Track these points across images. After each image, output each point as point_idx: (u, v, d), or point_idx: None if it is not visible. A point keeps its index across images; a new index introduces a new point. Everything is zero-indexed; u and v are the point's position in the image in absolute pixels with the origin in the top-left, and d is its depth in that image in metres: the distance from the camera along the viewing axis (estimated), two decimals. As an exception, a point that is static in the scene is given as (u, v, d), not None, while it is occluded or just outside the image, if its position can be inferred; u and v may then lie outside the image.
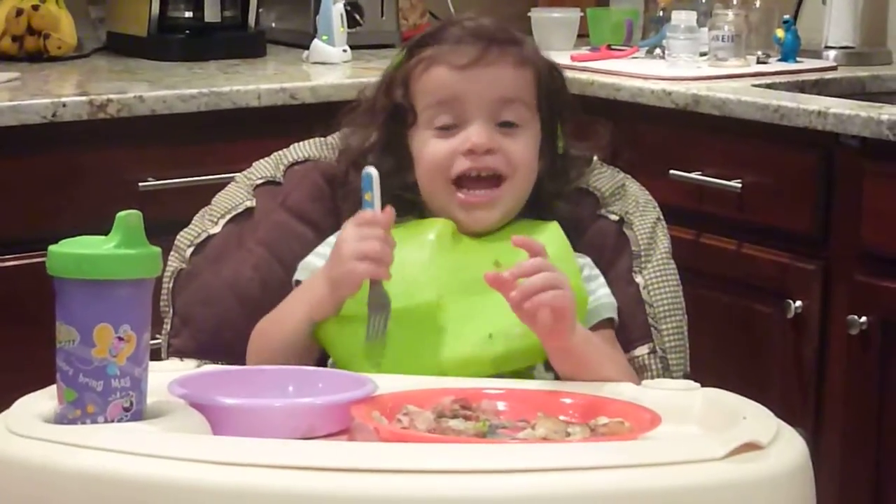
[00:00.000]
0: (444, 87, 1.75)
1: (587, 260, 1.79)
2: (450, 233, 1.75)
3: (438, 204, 1.77)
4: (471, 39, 1.76)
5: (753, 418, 1.38)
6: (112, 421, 1.33)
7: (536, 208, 1.80)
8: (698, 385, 1.56)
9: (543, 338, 1.60)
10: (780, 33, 3.09)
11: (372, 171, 1.66)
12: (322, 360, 1.72)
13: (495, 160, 1.74)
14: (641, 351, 1.79)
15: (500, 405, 1.51)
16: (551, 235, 1.75)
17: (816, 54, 3.13)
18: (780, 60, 3.07)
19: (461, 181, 1.75)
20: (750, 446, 1.27)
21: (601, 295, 1.76)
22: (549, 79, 1.81)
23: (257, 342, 1.73)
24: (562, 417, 1.46)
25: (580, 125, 1.86)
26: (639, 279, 1.80)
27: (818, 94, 2.82)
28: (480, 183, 1.74)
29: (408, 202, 1.78)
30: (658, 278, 1.80)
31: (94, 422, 1.33)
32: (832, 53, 3.13)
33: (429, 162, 1.75)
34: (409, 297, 1.68)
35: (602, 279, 1.78)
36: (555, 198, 1.81)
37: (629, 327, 1.78)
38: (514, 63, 1.76)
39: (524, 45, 1.79)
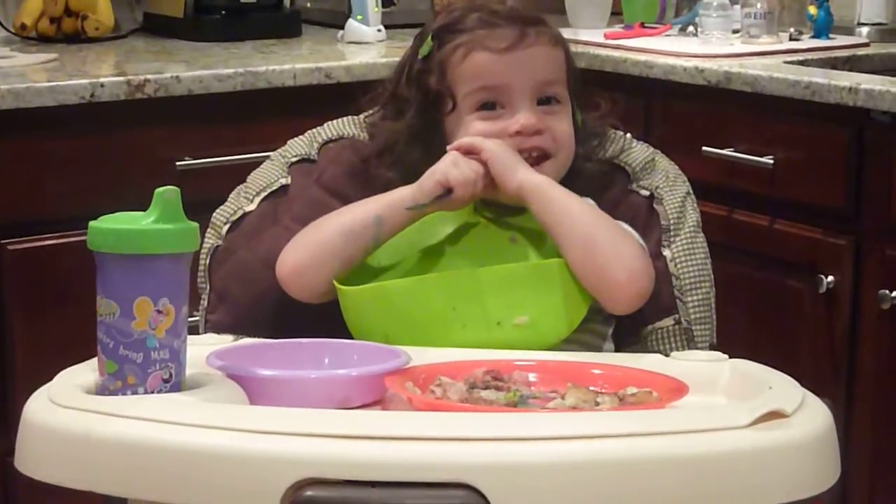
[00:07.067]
0: (488, 71, 1.76)
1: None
2: (470, 208, 1.78)
3: None
4: (505, 23, 1.77)
5: (779, 387, 1.39)
6: (152, 392, 1.35)
7: (566, 176, 1.81)
8: (726, 356, 1.58)
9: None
10: (812, 10, 3.08)
11: None
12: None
13: (542, 140, 1.76)
14: (666, 323, 1.80)
15: (531, 376, 1.53)
16: None
17: (849, 31, 3.13)
18: (812, 37, 3.06)
19: None
20: (774, 415, 1.28)
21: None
22: (571, 54, 1.84)
23: (308, 232, 1.75)
24: (591, 388, 1.48)
25: (584, 96, 1.87)
26: (666, 253, 1.81)
27: (850, 70, 2.82)
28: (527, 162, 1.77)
29: None
30: (685, 251, 1.81)
31: (135, 392, 1.35)
32: (865, 30, 3.13)
33: None
34: (424, 267, 1.74)
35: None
36: (583, 160, 1.83)
37: (656, 300, 1.77)
38: (550, 43, 1.79)
39: (549, 24, 1.81)
